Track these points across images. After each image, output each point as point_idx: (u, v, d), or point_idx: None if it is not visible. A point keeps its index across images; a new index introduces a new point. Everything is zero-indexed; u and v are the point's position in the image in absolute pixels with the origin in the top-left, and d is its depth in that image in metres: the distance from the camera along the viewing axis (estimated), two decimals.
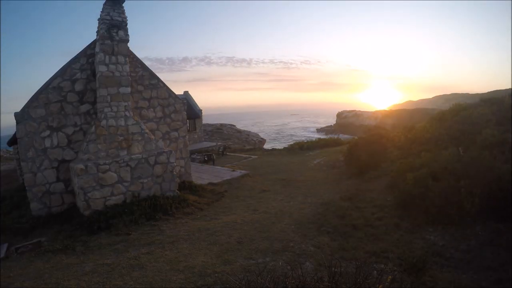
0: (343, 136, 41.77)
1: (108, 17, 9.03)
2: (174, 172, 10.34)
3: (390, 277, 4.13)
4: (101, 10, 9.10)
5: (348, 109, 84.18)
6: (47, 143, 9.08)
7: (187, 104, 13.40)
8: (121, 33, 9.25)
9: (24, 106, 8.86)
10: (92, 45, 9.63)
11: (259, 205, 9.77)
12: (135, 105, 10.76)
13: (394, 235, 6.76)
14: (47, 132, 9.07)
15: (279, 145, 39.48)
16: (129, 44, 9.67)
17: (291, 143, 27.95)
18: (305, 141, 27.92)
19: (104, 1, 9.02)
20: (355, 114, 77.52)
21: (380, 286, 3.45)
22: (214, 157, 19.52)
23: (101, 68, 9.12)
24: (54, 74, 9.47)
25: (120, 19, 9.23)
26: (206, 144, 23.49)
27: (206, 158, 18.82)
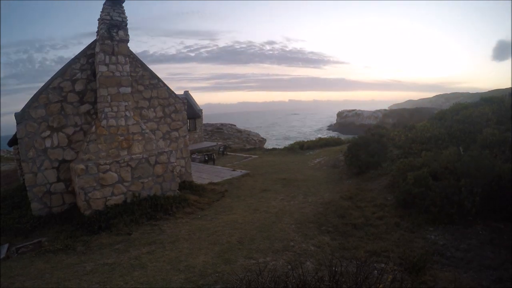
0: (343, 136, 41.79)
1: (108, 17, 9.03)
2: (175, 172, 10.34)
3: (390, 276, 4.13)
4: (101, 10, 9.11)
5: (348, 109, 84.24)
6: (48, 143, 9.08)
7: (187, 103, 13.40)
8: (121, 33, 9.25)
9: (25, 106, 8.86)
10: (92, 45, 9.63)
11: (260, 204, 9.77)
12: (135, 105, 10.76)
13: (394, 235, 6.77)
14: (48, 132, 9.07)
15: (279, 145, 39.45)
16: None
17: (291, 142, 27.93)
18: (305, 140, 27.92)
19: (104, 1, 9.01)
20: (356, 113, 77.51)
21: (381, 285, 3.46)
22: (215, 156, 19.53)
23: (101, 68, 9.12)
24: (54, 74, 9.47)
25: (120, 19, 9.23)
26: (206, 144, 23.48)
27: (206, 158, 18.83)
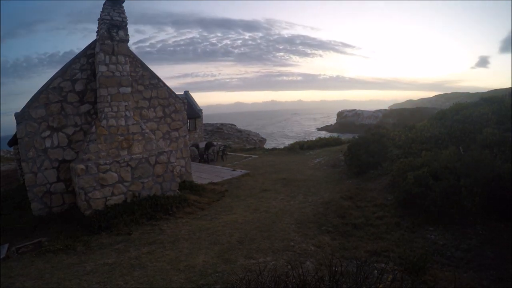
0: (343, 135, 41.83)
1: (108, 17, 9.03)
2: (175, 172, 10.34)
3: (390, 276, 4.14)
4: (101, 10, 9.11)
5: (348, 108, 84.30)
6: (48, 143, 9.08)
7: (187, 103, 13.40)
8: (121, 33, 9.25)
9: (25, 106, 8.86)
10: (92, 45, 9.63)
11: (260, 204, 9.77)
12: (135, 105, 10.76)
13: (394, 234, 6.77)
14: (48, 132, 9.07)
15: (279, 145, 39.46)
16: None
17: (291, 142, 27.94)
18: (306, 140, 27.92)
19: (104, 1, 9.02)
20: (356, 113, 77.54)
21: (381, 285, 3.46)
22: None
23: (101, 68, 9.12)
24: (54, 74, 9.48)
25: (120, 19, 9.23)
26: None
27: (206, 157, 18.82)
